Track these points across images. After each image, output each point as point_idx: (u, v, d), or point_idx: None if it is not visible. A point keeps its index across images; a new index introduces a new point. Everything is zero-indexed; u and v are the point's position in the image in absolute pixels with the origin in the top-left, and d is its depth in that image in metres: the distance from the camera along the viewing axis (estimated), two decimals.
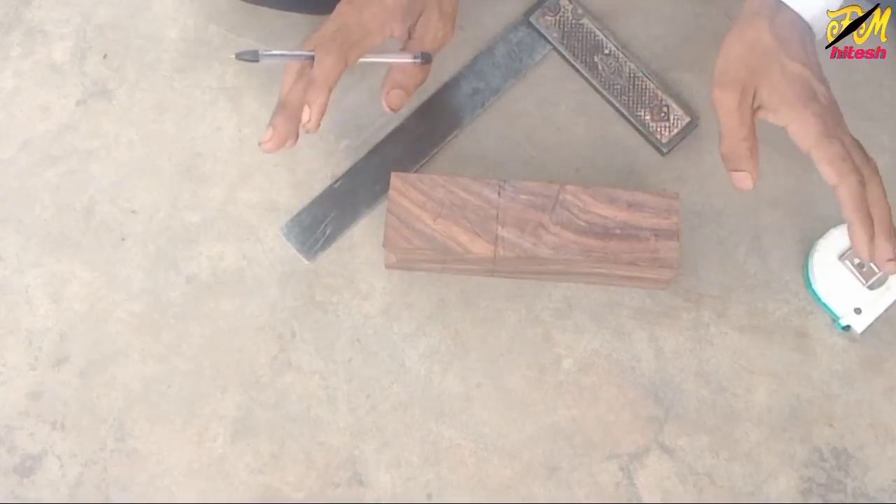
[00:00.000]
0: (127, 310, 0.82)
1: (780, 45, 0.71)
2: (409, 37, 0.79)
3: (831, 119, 0.71)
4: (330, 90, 0.74)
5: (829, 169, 0.70)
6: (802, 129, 0.71)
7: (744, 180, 0.73)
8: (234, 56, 0.75)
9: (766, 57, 0.72)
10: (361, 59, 0.76)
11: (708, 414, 0.79)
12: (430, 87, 0.87)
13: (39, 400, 0.80)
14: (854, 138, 0.73)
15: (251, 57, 0.75)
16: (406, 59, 0.79)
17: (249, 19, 0.92)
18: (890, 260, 0.71)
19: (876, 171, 0.73)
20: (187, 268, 0.83)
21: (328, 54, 0.74)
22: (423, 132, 0.85)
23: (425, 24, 0.79)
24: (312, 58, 0.75)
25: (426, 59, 0.79)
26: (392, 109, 0.80)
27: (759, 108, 0.73)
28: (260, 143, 0.75)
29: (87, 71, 0.90)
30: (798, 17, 0.72)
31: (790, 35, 0.72)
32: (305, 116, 0.74)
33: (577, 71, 0.89)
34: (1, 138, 0.88)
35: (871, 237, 0.71)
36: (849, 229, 0.71)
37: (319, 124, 0.74)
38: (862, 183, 0.71)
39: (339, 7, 0.77)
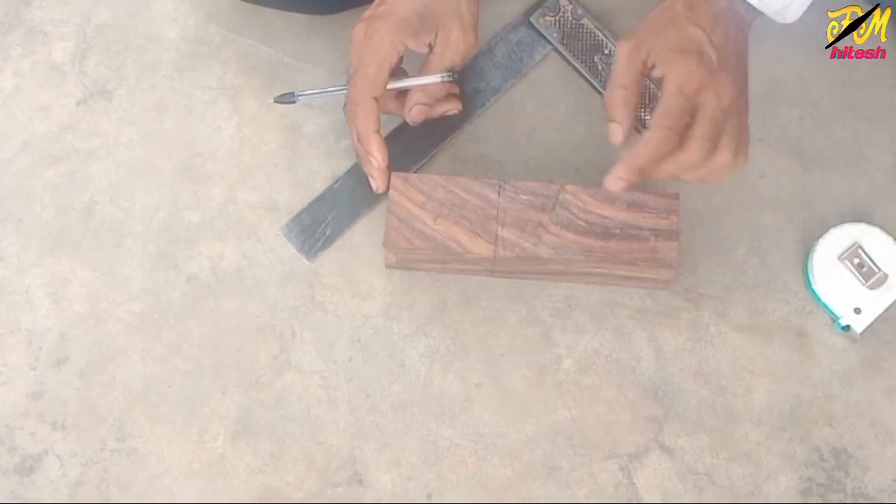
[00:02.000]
0: (127, 310, 0.82)
1: (687, 11, 0.72)
2: (430, 51, 0.79)
3: (709, 78, 0.70)
4: (375, 130, 0.78)
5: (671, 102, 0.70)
6: (674, 76, 0.71)
7: (614, 132, 0.73)
8: (272, 100, 0.82)
9: (671, 20, 0.73)
10: (389, 86, 0.79)
11: (708, 414, 0.79)
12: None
13: (39, 400, 0.80)
14: (743, 123, 0.72)
15: (288, 99, 0.82)
16: (433, 80, 0.80)
17: (249, 19, 0.92)
18: (619, 178, 0.71)
19: (728, 162, 0.71)
20: (187, 268, 0.83)
21: (353, 89, 0.78)
22: (423, 132, 0.85)
23: (445, 39, 0.79)
24: (345, 90, 0.79)
25: (452, 76, 0.80)
26: (415, 124, 0.83)
27: (652, 66, 0.73)
28: (376, 191, 0.82)
29: (87, 71, 0.90)
30: None
31: (703, 6, 0.72)
32: (375, 163, 0.79)
33: (577, 71, 0.89)
34: (1, 138, 0.88)
35: (626, 135, 0.73)
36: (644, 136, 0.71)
37: (388, 160, 0.79)
38: (695, 148, 0.70)
39: (352, 39, 0.78)
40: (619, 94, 0.73)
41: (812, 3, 0.73)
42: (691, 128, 0.70)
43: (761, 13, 0.74)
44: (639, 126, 0.81)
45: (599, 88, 0.88)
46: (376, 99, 0.77)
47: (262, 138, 0.88)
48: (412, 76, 0.81)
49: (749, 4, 0.73)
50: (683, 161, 0.71)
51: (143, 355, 0.81)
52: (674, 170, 0.71)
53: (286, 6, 0.89)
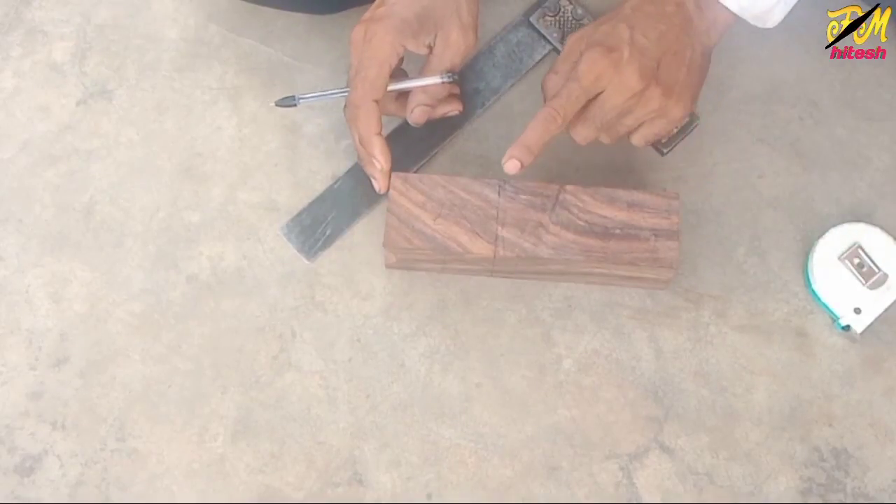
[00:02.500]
0: (127, 310, 0.82)
1: (630, 10, 0.75)
2: (430, 52, 0.79)
3: (610, 71, 0.73)
4: (377, 133, 0.78)
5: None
6: (579, 64, 0.74)
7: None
8: (273, 104, 0.82)
9: (613, 16, 0.76)
10: (390, 88, 0.79)
11: (708, 414, 0.79)
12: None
13: (39, 400, 0.80)
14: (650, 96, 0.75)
15: (289, 102, 0.81)
16: (434, 81, 0.80)
17: (249, 19, 0.92)
18: (510, 157, 0.75)
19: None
20: (187, 268, 0.83)
21: (353, 92, 0.78)
22: (423, 132, 0.85)
23: (445, 40, 0.79)
24: (345, 93, 0.79)
25: (452, 77, 0.79)
26: (417, 125, 0.83)
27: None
28: (379, 192, 0.82)
29: (87, 71, 0.90)
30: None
31: (648, 6, 0.75)
32: (378, 165, 0.79)
33: None
34: (1, 138, 0.88)
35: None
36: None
37: (391, 162, 0.80)
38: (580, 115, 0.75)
39: (352, 42, 0.78)
40: (552, 80, 0.77)
41: (813, 4, 0.73)
42: (584, 111, 0.75)
43: (738, 18, 0.75)
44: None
45: None
46: (377, 101, 0.77)
47: (262, 138, 0.88)
48: (412, 78, 0.81)
49: (725, 9, 0.74)
50: (582, 136, 0.77)
51: (143, 355, 0.81)
52: (581, 142, 0.78)
53: (286, 6, 0.89)
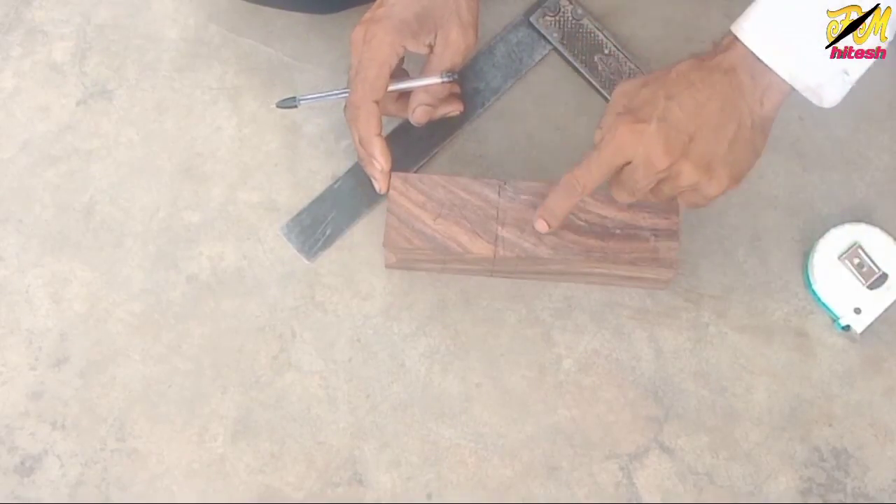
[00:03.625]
0: (127, 310, 0.82)
1: (674, 75, 0.70)
2: (431, 52, 0.79)
3: (635, 142, 0.69)
4: (377, 134, 0.78)
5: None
6: (605, 130, 0.72)
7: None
8: (274, 105, 0.83)
9: (653, 79, 0.72)
10: (390, 88, 0.79)
11: (708, 414, 0.79)
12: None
13: (39, 400, 0.80)
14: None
15: (290, 104, 0.82)
16: (434, 81, 0.79)
17: (249, 19, 0.92)
18: (540, 221, 0.76)
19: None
20: (187, 268, 0.83)
21: (353, 93, 0.78)
22: (423, 132, 0.85)
23: (445, 40, 0.79)
24: (346, 94, 0.80)
25: (451, 76, 0.79)
26: (419, 125, 0.83)
27: None
28: (379, 192, 0.82)
29: (87, 71, 0.90)
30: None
31: (693, 74, 0.70)
32: (378, 166, 0.79)
33: (577, 71, 0.89)
34: (1, 138, 0.88)
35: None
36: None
37: (391, 163, 0.79)
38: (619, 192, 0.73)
39: (352, 43, 0.78)
40: (597, 134, 0.74)
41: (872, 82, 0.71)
42: (618, 175, 0.72)
43: (793, 88, 0.70)
44: None
45: (599, 88, 0.88)
46: (377, 102, 0.77)
47: (262, 138, 0.88)
48: (413, 78, 0.81)
49: (777, 77, 0.69)
50: (618, 197, 0.74)
51: (143, 355, 0.81)
52: (620, 201, 0.75)
53: (286, 6, 0.89)
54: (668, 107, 0.69)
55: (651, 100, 0.70)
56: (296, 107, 0.82)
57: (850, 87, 0.70)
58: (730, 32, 0.70)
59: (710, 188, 0.71)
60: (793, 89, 0.69)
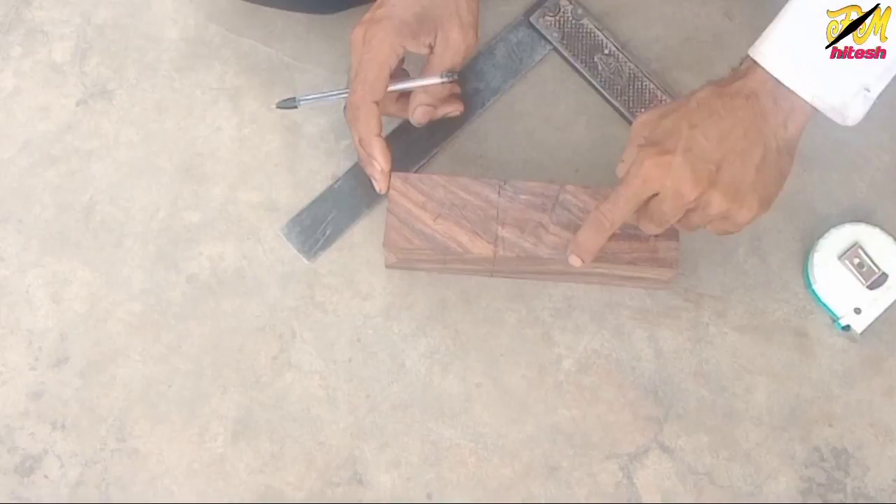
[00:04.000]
0: (127, 310, 0.82)
1: (695, 104, 0.70)
2: (431, 52, 0.79)
3: (662, 174, 0.69)
4: (377, 134, 0.78)
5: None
6: (628, 164, 0.71)
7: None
8: (274, 106, 0.83)
9: (672, 110, 0.71)
10: (390, 89, 0.79)
11: (708, 414, 0.79)
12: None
13: (39, 400, 0.80)
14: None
15: (290, 104, 0.82)
16: (433, 81, 0.79)
17: (249, 19, 0.92)
18: (574, 257, 0.75)
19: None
20: (187, 268, 0.83)
21: (353, 93, 0.78)
22: (423, 132, 0.85)
23: (444, 40, 0.79)
24: (346, 94, 0.80)
25: (451, 76, 0.79)
26: (419, 125, 0.83)
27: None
28: (379, 192, 0.82)
29: (87, 71, 0.90)
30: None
31: (714, 102, 0.70)
32: (378, 166, 0.79)
33: (577, 71, 0.89)
34: (1, 138, 0.88)
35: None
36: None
37: (391, 163, 0.79)
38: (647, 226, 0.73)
39: (351, 43, 0.78)
40: (620, 167, 0.73)
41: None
42: (645, 207, 0.72)
43: (817, 110, 0.69)
44: None
45: (599, 88, 0.88)
46: (377, 103, 0.77)
47: (262, 138, 0.88)
48: (413, 78, 0.81)
49: (801, 99, 0.68)
50: (646, 230, 0.73)
51: (143, 355, 0.81)
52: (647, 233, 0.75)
53: (286, 6, 0.89)
54: (692, 136, 0.68)
55: (674, 130, 0.69)
56: (296, 107, 0.82)
57: (871, 103, 0.69)
58: (748, 57, 0.69)
59: (740, 216, 0.70)
60: (816, 110, 0.69)
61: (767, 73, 0.68)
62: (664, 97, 0.87)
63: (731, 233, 0.73)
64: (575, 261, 0.75)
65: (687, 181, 0.68)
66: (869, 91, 0.68)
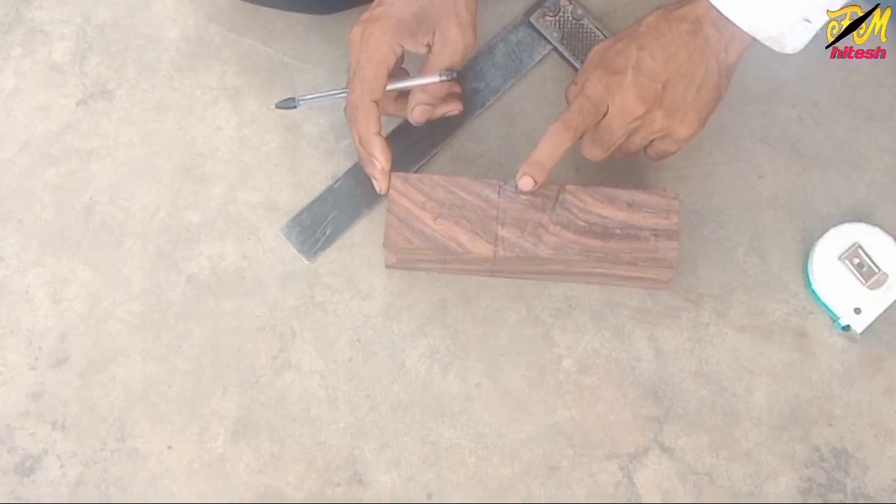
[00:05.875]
0: (127, 310, 0.82)
1: (643, 28, 0.75)
2: (429, 51, 0.79)
3: (613, 91, 0.74)
4: (377, 133, 0.78)
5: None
6: (587, 82, 0.75)
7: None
8: (274, 106, 0.83)
9: (624, 35, 0.77)
10: (389, 87, 0.79)
11: (708, 414, 0.79)
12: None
13: (39, 400, 0.80)
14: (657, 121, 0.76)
15: (289, 104, 0.82)
16: (432, 80, 0.79)
17: (249, 19, 0.92)
18: (523, 175, 0.77)
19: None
20: (187, 268, 0.83)
21: (352, 92, 0.78)
22: (423, 132, 0.85)
23: (443, 39, 0.79)
24: (345, 94, 0.79)
25: (450, 75, 0.79)
26: (418, 124, 0.83)
27: None
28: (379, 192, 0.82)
29: (87, 71, 0.90)
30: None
31: (661, 25, 0.75)
32: (378, 165, 0.79)
33: (577, 71, 0.89)
34: (1, 138, 0.88)
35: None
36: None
37: (390, 162, 0.79)
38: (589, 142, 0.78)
39: (350, 42, 0.78)
40: (571, 90, 0.79)
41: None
42: (592, 131, 0.77)
43: (756, 39, 0.74)
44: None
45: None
46: (376, 102, 0.77)
47: (262, 138, 0.88)
48: (411, 77, 0.81)
49: (738, 28, 0.73)
50: (591, 154, 0.78)
51: (143, 355, 0.81)
52: (591, 159, 0.79)
53: (286, 6, 0.89)
54: (640, 57, 0.74)
55: (624, 52, 0.75)
56: (295, 107, 0.82)
57: (813, 34, 0.74)
58: None
59: (680, 131, 0.76)
60: (755, 39, 0.74)
61: (709, 2, 0.73)
62: None
63: (669, 153, 0.79)
64: (526, 182, 0.77)
65: (635, 99, 0.74)
66: (810, 21, 0.73)
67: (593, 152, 0.78)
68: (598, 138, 0.77)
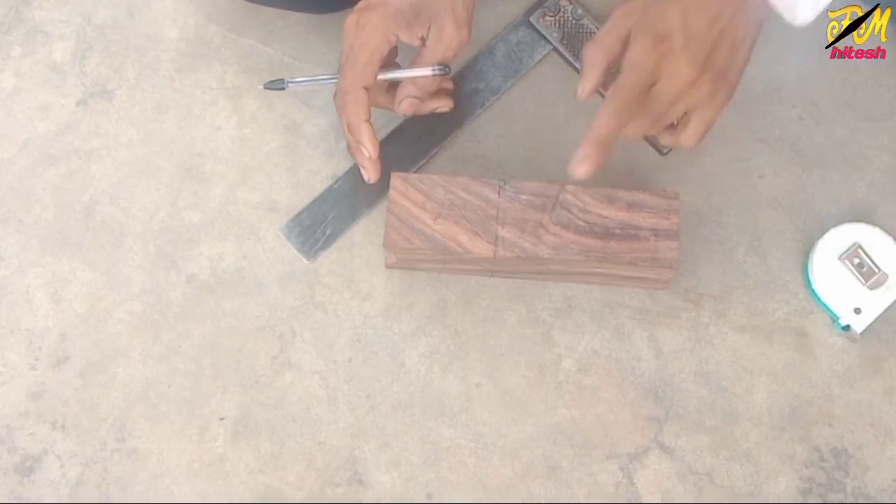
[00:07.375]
0: (127, 310, 0.82)
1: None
2: (423, 44, 0.79)
3: (666, 60, 0.71)
4: (366, 120, 0.78)
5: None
6: (632, 53, 0.72)
7: (579, 87, 0.75)
8: (262, 87, 0.82)
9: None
10: (380, 77, 0.78)
11: (708, 414, 0.79)
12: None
13: (39, 400, 0.80)
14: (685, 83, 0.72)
15: (278, 86, 0.81)
16: (425, 73, 0.79)
17: (249, 19, 0.92)
18: (583, 159, 0.73)
19: (670, 142, 0.77)
20: (187, 268, 0.83)
21: (343, 78, 0.77)
22: (423, 132, 0.85)
23: (438, 34, 0.79)
24: (336, 79, 0.79)
25: (443, 70, 0.79)
26: (405, 116, 0.82)
27: (629, 36, 0.73)
28: (367, 181, 0.82)
29: (87, 71, 0.90)
30: None
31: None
32: (365, 153, 0.79)
33: (577, 71, 0.89)
34: (1, 138, 0.88)
35: (590, 92, 0.75)
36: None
37: (378, 150, 0.79)
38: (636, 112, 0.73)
39: (345, 29, 0.78)
40: (593, 53, 0.74)
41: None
42: (643, 103, 0.72)
43: (772, 10, 0.71)
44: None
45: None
46: (366, 89, 0.77)
47: (262, 138, 0.88)
48: (404, 69, 0.81)
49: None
50: (637, 130, 0.74)
51: (143, 355, 0.81)
52: (633, 136, 0.75)
53: (286, 6, 0.89)
54: (686, 19, 0.70)
55: (666, 16, 0.70)
56: (283, 89, 0.81)
57: (822, 8, 0.70)
58: None
59: (722, 94, 0.72)
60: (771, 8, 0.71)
61: None
62: None
63: (708, 123, 0.74)
64: (586, 169, 0.73)
65: (688, 65, 0.70)
66: None
67: (640, 126, 0.73)
68: (646, 110, 0.72)
